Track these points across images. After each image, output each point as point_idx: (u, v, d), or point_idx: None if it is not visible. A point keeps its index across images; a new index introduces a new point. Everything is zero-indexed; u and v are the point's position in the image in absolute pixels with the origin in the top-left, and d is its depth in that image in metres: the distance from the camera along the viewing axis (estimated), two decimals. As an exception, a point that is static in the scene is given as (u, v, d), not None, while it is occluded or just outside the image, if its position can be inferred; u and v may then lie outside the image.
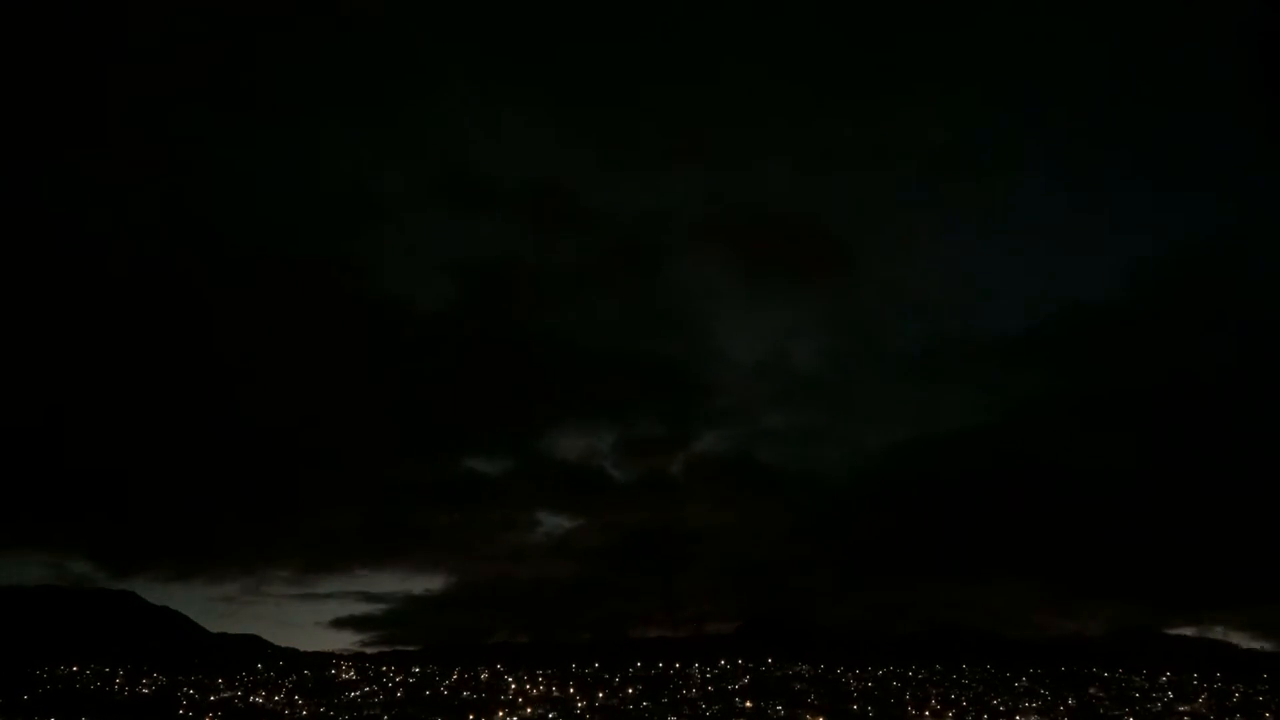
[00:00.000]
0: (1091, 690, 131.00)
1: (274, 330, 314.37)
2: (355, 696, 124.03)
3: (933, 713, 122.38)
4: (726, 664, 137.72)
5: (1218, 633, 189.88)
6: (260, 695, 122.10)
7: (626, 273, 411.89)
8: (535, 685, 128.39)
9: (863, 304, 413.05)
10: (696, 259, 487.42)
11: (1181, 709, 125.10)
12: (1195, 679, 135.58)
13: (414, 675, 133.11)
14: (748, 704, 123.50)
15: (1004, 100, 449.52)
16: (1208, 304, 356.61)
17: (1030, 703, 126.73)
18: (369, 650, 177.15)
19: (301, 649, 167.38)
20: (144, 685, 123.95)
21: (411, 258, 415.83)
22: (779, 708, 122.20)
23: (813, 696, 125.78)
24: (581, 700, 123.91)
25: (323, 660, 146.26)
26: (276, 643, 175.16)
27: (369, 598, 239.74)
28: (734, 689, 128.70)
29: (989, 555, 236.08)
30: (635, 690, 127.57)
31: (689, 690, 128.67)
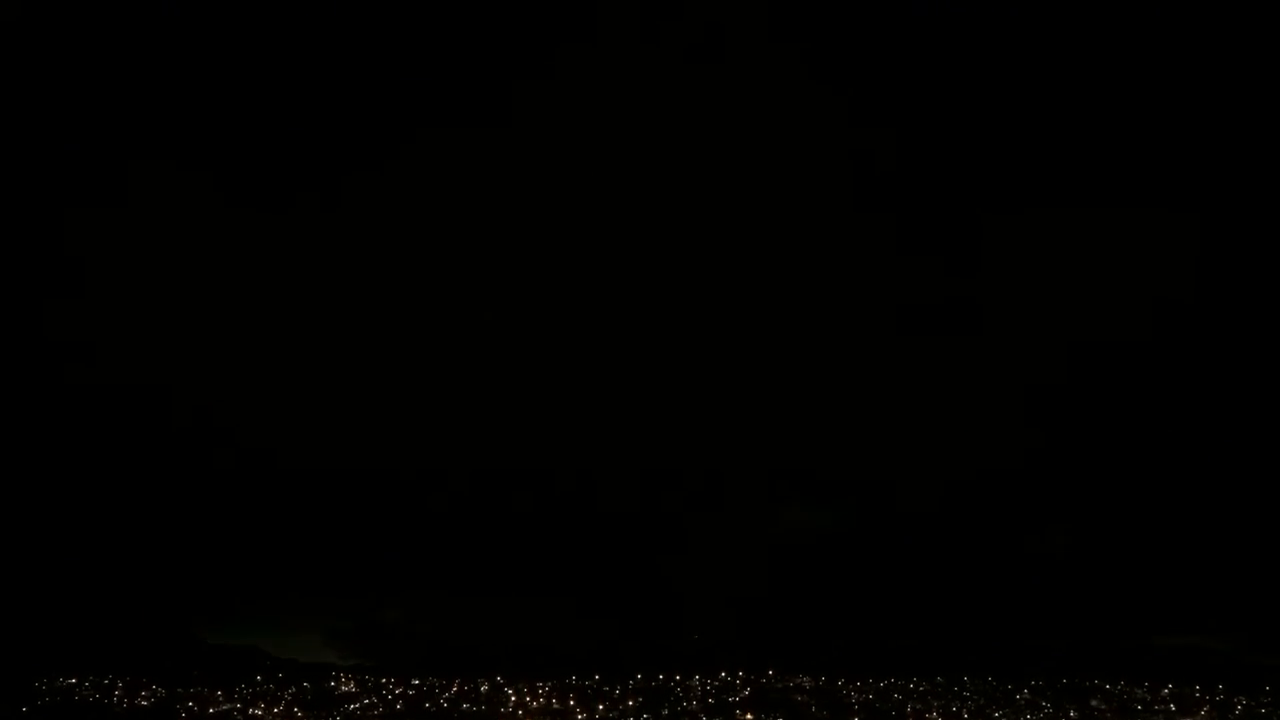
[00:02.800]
0: (1094, 702, 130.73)
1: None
2: (355, 709, 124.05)
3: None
4: (727, 675, 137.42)
5: (1220, 644, 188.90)
6: (260, 707, 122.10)
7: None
8: (535, 697, 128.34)
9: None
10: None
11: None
12: (1198, 691, 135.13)
13: (414, 687, 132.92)
14: (748, 716, 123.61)
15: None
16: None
17: (1032, 715, 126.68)
18: (369, 662, 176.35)
19: (301, 660, 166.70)
20: (143, 697, 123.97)
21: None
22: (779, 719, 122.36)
23: (814, 708, 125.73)
24: (582, 712, 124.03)
25: (322, 672, 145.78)
26: (276, 654, 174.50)
27: (370, 608, 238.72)
28: (734, 700, 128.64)
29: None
30: (635, 702, 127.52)
31: (689, 702, 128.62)
